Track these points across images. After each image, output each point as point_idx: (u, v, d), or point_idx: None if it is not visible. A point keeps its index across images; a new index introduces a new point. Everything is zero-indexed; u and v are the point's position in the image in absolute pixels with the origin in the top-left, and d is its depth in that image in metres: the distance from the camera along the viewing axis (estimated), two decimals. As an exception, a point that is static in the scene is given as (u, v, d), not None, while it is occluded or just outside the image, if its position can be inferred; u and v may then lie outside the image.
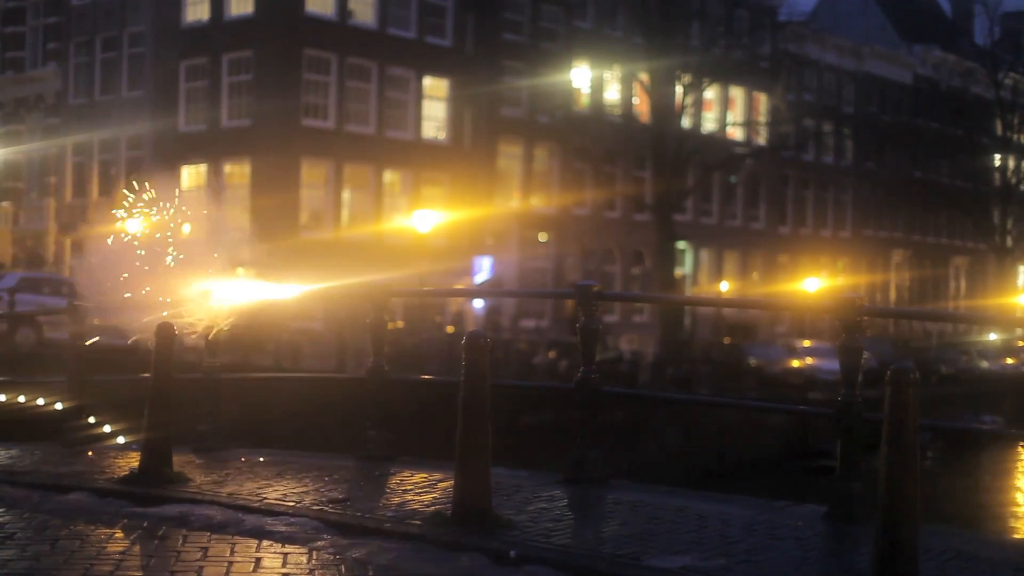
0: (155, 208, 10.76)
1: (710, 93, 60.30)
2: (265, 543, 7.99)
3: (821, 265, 71.41)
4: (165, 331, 10.79)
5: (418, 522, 8.31)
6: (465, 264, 52.90)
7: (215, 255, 10.73)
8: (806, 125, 66.78)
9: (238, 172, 50.01)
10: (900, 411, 6.87)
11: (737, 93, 66.76)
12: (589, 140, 57.82)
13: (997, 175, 74.40)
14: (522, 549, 7.53)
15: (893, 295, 79.81)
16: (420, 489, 9.64)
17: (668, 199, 49.69)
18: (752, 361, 48.29)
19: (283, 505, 8.98)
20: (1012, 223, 70.81)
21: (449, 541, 7.78)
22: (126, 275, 10.74)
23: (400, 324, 43.97)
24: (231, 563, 7.50)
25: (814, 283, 63.68)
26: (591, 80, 60.12)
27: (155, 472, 10.17)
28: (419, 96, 53.00)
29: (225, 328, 11.22)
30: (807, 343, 52.22)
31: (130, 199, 10.85)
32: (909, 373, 6.94)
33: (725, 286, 66.70)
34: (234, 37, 49.17)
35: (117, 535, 8.42)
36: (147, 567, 7.55)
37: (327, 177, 50.13)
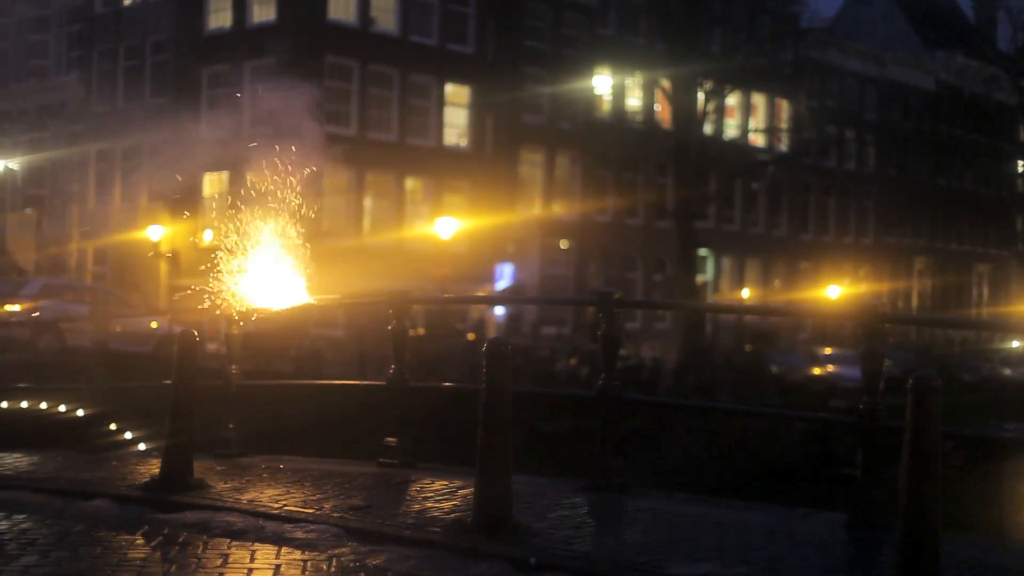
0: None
1: (732, 100, 60.19)
2: (285, 550, 8.00)
3: (843, 272, 71.16)
4: (186, 338, 10.83)
5: (438, 529, 8.31)
6: (486, 271, 52.91)
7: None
8: (828, 132, 66.56)
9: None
10: (922, 419, 6.84)
11: (759, 100, 66.68)
12: (611, 147, 57.79)
13: (1020, 181, 74.15)
14: (543, 556, 7.53)
15: (915, 302, 79.59)
16: (440, 496, 9.64)
17: (689, 206, 49.58)
18: (773, 368, 48.15)
19: (303, 512, 8.99)
20: (1035, 230, 70.56)
21: (469, 548, 7.78)
22: None
23: (421, 331, 43.98)
24: (251, 570, 7.52)
25: (836, 290, 63.51)
26: (613, 87, 60.09)
27: (176, 479, 10.19)
28: (441, 103, 53.05)
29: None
30: (829, 350, 52.02)
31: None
32: (931, 381, 6.91)
33: (746, 293, 66.58)
34: (256, 44, 49.25)
35: (138, 541, 8.44)
36: (168, 573, 7.57)
37: (349, 184, 50.18)
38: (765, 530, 8.52)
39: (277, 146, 10.68)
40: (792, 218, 71.51)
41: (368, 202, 51.24)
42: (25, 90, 60.10)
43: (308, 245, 11.01)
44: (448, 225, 46.09)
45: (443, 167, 52.52)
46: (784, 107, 66.64)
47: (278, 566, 7.58)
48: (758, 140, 65.18)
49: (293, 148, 10.70)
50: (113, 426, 14.22)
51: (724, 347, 54.10)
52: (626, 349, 43.17)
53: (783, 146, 61.11)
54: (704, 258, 62.19)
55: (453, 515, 8.63)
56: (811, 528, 8.70)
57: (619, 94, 60.39)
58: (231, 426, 12.31)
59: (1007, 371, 57.52)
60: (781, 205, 70.83)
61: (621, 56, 57.86)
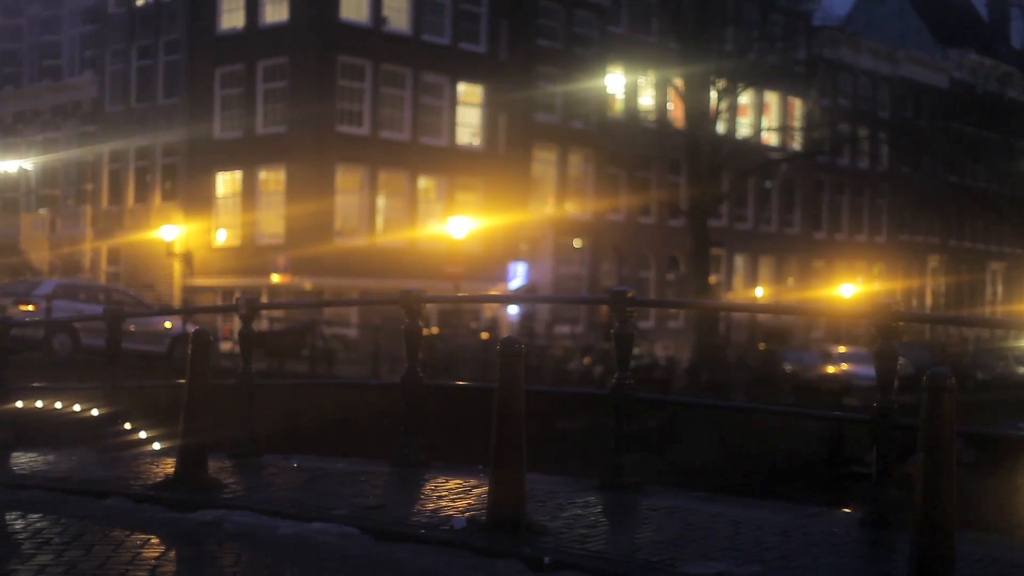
0: None
1: (745, 98, 60.13)
2: (299, 549, 8.00)
3: (856, 270, 71.08)
4: (200, 338, 10.84)
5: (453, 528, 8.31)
6: (500, 270, 52.91)
7: None
8: (841, 130, 66.49)
9: (273, 179, 50.14)
10: (936, 417, 6.84)
11: (772, 98, 66.58)
12: (623, 146, 57.75)
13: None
14: (557, 555, 7.53)
15: (929, 300, 79.43)
16: (454, 495, 9.65)
17: (703, 204, 49.55)
18: (787, 367, 48.11)
19: (318, 511, 8.99)
20: (1049, 228, 70.36)
21: (484, 547, 7.78)
22: None
23: (435, 330, 44.01)
24: (265, 569, 7.52)
25: (849, 288, 63.43)
26: (625, 85, 60.05)
27: (190, 478, 10.21)
28: (453, 102, 53.02)
29: None
30: (843, 349, 51.98)
31: None
32: (945, 379, 6.90)
33: (760, 292, 66.50)
34: (269, 44, 49.30)
35: (153, 540, 8.45)
36: (182, 572, 7.57)
37: (362, 183, 50.18)
38: (779, 528, 8.52)
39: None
40: (805, 216, 71.41)
41: (381, 201, 51.23)
42: (39, 90, 60.25)
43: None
44: (461, 224, 46.09)
45: (456, 166, 52.52)
46: (797, 105, 66.57)
47: (292, 565, 7.59)
48: (771, 138, 65.12)
49: None
50: (127, 425, 14.24)
51: (738, 346, 54.07)
52: (639, 348, 43.21)
53: (796, 144, 61.04)
54: (717, 256, 62.10)
55: (467, 514, 8.63)
56: (825, 526, 8.70)
57: (632, 93, 60.37)
58: (245, 425, 12.33)
59: (1021, 369, 57.42)
60: (794, 203, 70.73)
61: (634, 55, 57.84)
